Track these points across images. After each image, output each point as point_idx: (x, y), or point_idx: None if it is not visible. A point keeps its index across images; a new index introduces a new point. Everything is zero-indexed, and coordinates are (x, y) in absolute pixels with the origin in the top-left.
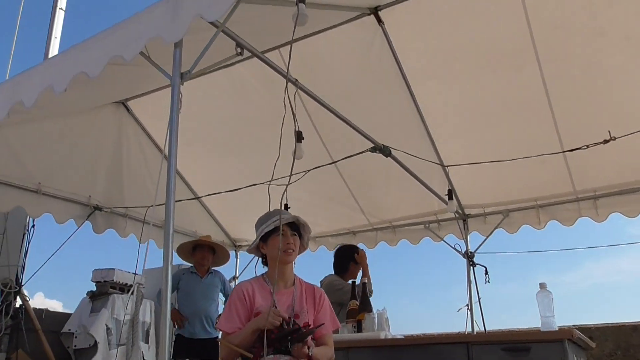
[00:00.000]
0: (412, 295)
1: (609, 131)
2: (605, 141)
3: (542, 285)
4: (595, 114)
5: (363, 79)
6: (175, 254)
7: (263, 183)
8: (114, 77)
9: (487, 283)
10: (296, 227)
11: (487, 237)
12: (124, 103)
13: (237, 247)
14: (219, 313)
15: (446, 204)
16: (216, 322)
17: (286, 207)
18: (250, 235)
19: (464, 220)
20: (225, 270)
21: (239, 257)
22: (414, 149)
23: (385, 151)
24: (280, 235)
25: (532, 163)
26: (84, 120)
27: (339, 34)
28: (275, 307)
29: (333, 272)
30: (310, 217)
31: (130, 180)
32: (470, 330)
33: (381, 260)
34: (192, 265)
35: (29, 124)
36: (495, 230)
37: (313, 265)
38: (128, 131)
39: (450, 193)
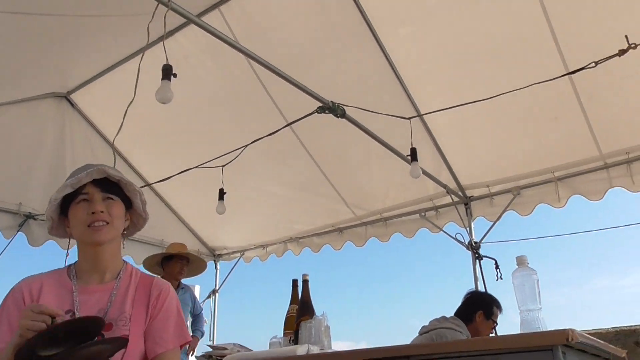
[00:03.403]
0: (408, 299)
1: (625, 36)
2: (622, 51)
3: (521, 261)
4: (608, 29)
5: (322, 34)
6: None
7: (196, 167)
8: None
9: (500, 279)
10: (114, 187)
11: (495, 222)
12: (66, 97)
13: (216, 256)
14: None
15: (444, 187)
16: None
17: (222, 192)
18: (233, 241)
19: (466, 204)
20: (204, 283)
21: (219, 268)
22: (392, 112)
23: (336, 110)
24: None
25: (543, 122)
26: (13, 116)
27: None
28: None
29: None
30: (287, 214)
31: None
32: None
33: (370, 258)
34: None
35: None
36: (509, 214)
37: (295, 272)
38: (73, 127)
39: (414, 153)
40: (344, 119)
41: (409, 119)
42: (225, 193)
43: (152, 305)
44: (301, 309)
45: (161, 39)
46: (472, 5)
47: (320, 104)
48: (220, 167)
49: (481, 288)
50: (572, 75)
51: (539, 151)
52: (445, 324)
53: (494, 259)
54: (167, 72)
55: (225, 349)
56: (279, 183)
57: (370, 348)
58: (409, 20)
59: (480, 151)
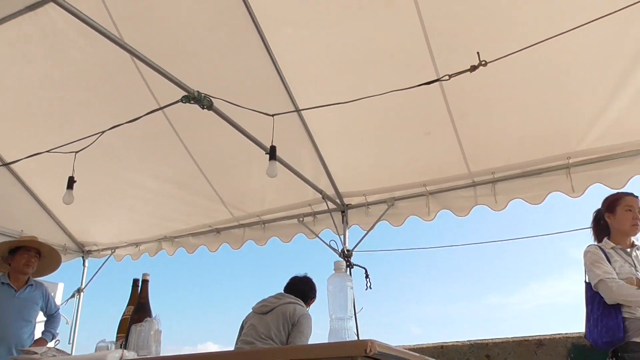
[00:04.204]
0: None
1: (477, 53)
2: (473, 67)
3: (337, 266)
4: (472, 42)
5: (206, 25)
6: None
7: (47, 151)
8: None
9: (369, 289)
10: None
11: (368, 231)
12: None
13: (85, 253)
14: (36, 338)
15: (320, 193)
16: None
17: (71, 180)
18: (104, 237)
19: (343, 212)
20: (70, 281)
21: (87, 264)
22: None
23: (202, 101)
24: None
25: (418, 136)
26: None
27: None
28: None
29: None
30: (162, 211)
31: None
32: None
33: (247, 263)
34: (2, 274)
35: None
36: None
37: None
38: None
39: (273, 151)
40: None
41: (272, 115)
42: (75, 182)
43: None
44: (136, 311)
45: (29, 8)
46: (356, 12)
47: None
48: (74, 153)
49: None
50: (444, 92)
51: (413, 164)
52: (293, 300)
53: (364, 268)
54: None
55: (36, 353)
56: (155, 178)
57: (188, 354)
58: (295, 20)
59: (359, 160)
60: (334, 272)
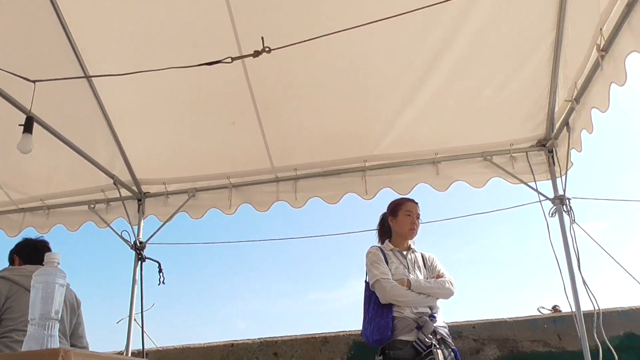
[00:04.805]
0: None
1: (262, 38)
2: (257, 52)
3: (49, 259)
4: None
5: None
6: None
7: None
8: None
9: (162, 284)
10: None
11: (165, 222)
12: None
13: None
14: None
15: (112, 177)
16: None
17: None
18: None
19: (139, 200)
20: None
21: None
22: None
23: None
24: None
25: (223, 125)
26: None
27: None
28: None
29: None
30: None
31: None
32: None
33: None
34: None
35: None
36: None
37: None
38: None
39: (30, 122)
40: None
41: (34, 82)
42: None
43: None
44: None
45: None
46: None
47: None
48: None
49: (138, 292)
50: (249, 80)
51: (217, 154)
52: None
53: (157, 262)
54: None
55: None
56: None
57: None
58: None
59: (161, 145)
60: (45, 265)
